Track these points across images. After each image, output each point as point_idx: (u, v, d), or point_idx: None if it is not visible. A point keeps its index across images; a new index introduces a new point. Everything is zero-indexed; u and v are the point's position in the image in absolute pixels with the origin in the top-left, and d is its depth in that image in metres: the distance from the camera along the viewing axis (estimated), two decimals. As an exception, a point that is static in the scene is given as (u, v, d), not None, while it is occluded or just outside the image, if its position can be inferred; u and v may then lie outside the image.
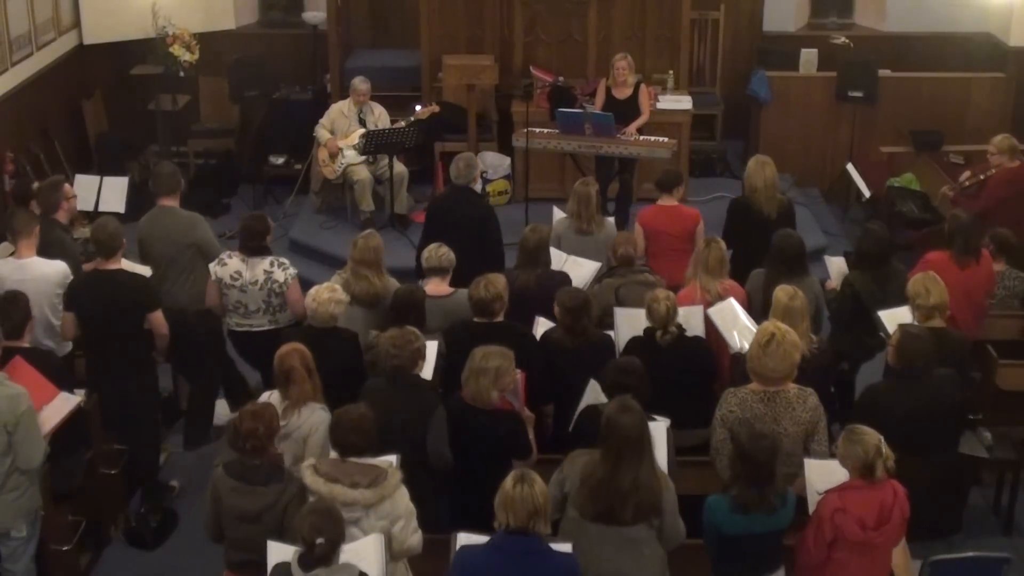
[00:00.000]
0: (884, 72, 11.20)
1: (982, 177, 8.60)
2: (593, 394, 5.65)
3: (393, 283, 6.66)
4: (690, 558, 5.12)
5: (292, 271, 6.82)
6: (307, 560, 4.31)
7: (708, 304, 6.55)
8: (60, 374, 6.04)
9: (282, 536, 4.68)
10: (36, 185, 7.58)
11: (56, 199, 7.13)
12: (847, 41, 11.61)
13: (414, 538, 4.85)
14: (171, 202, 7.23)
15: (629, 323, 6.37)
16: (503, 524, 4.42)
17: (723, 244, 6.79)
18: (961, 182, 8.87)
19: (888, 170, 10.71)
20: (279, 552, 4.53)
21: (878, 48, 11.82)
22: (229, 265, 6.78)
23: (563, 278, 6.84)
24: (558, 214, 7.99)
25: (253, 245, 6.77)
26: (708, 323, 6.47)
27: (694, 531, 5.04)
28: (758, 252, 7.05)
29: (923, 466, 5.42)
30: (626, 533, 4.79)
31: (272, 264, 6.77)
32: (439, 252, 6.65)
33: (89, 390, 6.30)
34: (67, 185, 7.38)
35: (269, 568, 4.52)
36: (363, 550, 4.62)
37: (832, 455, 5.22)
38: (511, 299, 6.28)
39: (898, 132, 11.10)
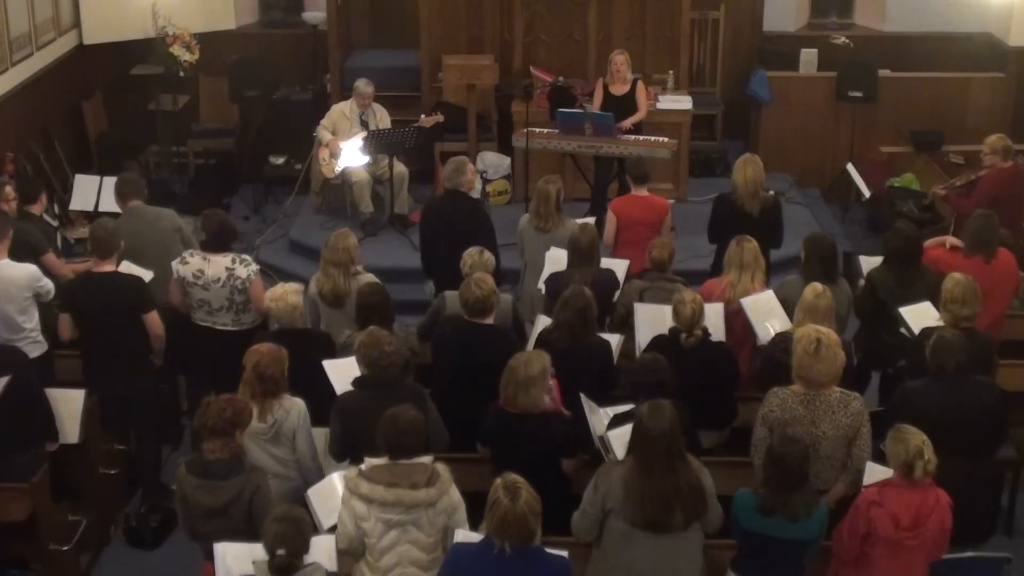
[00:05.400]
0: (884, 72, 11.20)
1: (974, 177, 8.62)
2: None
3: (368, 279, 6.59)
4: (709, 558, 5.11)
5: (254, 267, 6.79)
6: (273, 568, 4.38)
7: (728, 301, 6.54)
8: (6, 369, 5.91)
9: (251, 526, 4.81)
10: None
11: None
12: (847, 41, 11.63)
13: (467, 527, 4.86)
14: (139, 202, 7.31)
15: (650, 320, 6.36)
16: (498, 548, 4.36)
17: (754, 241, 6.71)
18: (952, 181, 8.88)
19: (888, 170, 10.71)
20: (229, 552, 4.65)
21: (878, 48, 11.83)
22: (191, 263, 6.73)
23: (613, 277, 6.82)
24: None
25: (215, 242, 6.74)
26: (726, 322, 6.45)
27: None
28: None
29: (955, 469, 5.33)
30: (677, 535, 4.81)
31: (234, 261, 6.72)
32: (483, 257, 6.58)
33: (88, 391, 6.29)
34: (8, 188, 7.34)
35: (220, 570, 4.61)
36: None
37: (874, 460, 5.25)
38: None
39: (898, 132, 11.10)
